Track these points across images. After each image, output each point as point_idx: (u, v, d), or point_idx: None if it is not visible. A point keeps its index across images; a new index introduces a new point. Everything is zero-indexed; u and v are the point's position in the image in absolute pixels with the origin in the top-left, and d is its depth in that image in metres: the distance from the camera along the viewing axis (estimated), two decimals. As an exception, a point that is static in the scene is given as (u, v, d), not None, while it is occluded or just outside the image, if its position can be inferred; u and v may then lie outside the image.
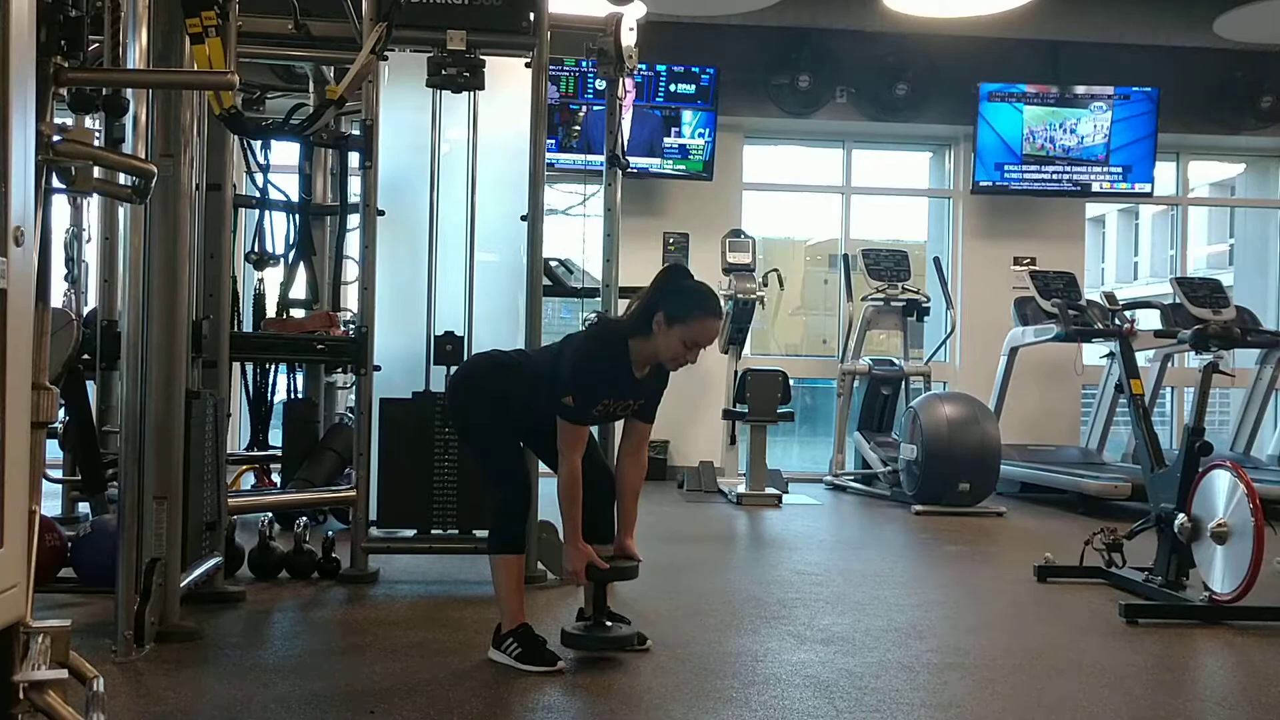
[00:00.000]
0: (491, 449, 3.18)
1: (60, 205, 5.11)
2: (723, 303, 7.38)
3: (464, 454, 3.96)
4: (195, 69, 3.13)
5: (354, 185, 5.26)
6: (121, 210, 3.23)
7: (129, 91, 3.13)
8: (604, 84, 4.54)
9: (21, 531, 1.72)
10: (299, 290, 5.88)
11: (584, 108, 8.12)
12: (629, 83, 4.74)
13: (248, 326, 5.63)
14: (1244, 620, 3.78)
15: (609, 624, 3.26)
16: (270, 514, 4.45)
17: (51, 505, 5.18)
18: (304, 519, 4.42)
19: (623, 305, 3.71)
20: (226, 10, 3.37)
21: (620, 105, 4.60)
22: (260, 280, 5.80)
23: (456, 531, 4.23)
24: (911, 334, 7.99)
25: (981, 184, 8.66)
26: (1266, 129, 8.94)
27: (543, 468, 3.50)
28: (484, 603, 3.81)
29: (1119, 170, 8.70)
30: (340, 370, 5.91)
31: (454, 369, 3.85)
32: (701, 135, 8.32)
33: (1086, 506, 6.81)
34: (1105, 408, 8.04)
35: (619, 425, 3.39)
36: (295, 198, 5.82)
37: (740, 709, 2.75)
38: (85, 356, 4.61)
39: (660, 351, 3.08)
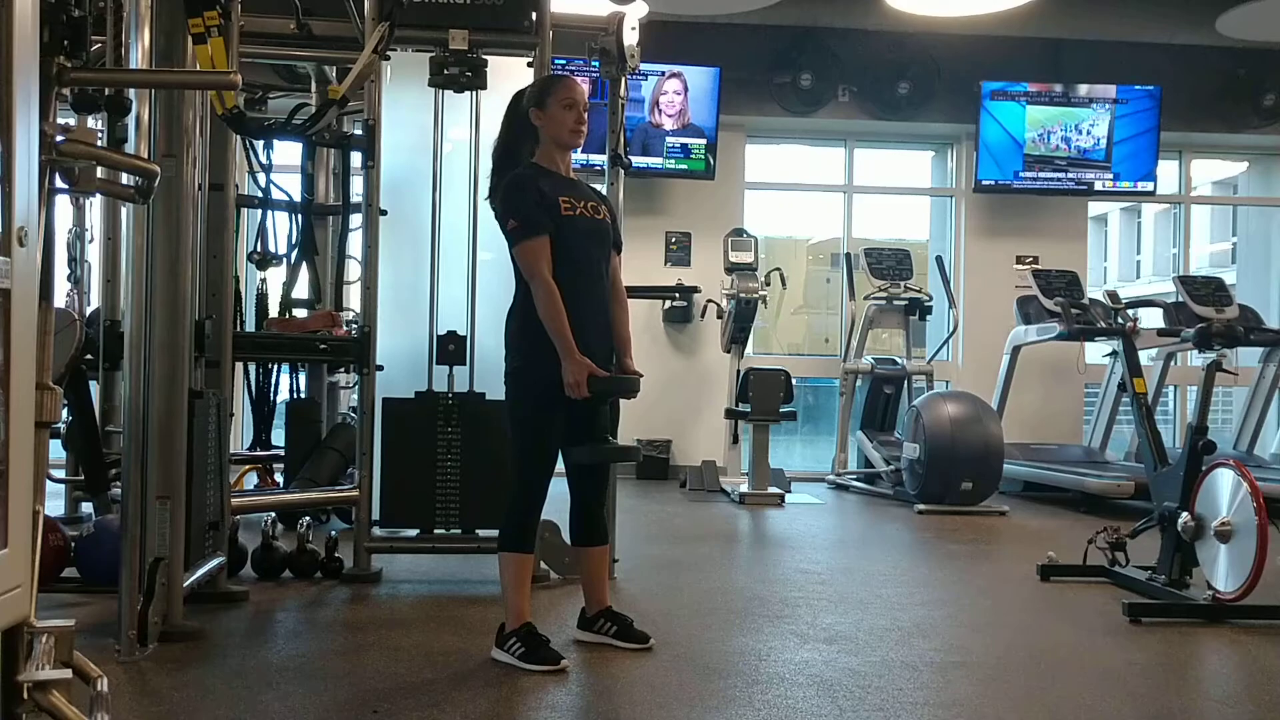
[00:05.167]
0: (529, 446, 3.16)
1: (63, 205, 5.14)
2: (725, 302, 7.50)
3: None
4: (198, 69, 3.13)
5: (356, 185, 5.26)
6: (124, 210, 3.24)
7: (132, 91, 3.13)
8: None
9: (25, 532, 1.72)
10: (301, 290, 5.90)
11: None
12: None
13: (250, 326, 5.64)
14: (1247, 619, 3.78)
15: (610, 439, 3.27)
16: (273, 514, 4.45)
17: (55, 505, 5.19)
18: (307, 519, 4.42)
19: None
20: (229, 10, 3.37)
21: (621, 105, 4.58)
22: (263, 280, 5.81)
23: (459, 531, 4.23)
24: (914, 333, 7.99)
25: (984, 183, 8.65)
26: (1269, 127, 8.92)
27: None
28: (487, 602, 3.81)
29: (1122, 169, 8.68)
30: (343, 370, 5.92)
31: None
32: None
33: (1089, 505, 6.80)
34: (1108, 406, 8.03)
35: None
36: (298, 197, 5.83)
37: (744, 708, 2.75)
38: (88, 356, 4.62)
39: (555, 132, 3.19)
